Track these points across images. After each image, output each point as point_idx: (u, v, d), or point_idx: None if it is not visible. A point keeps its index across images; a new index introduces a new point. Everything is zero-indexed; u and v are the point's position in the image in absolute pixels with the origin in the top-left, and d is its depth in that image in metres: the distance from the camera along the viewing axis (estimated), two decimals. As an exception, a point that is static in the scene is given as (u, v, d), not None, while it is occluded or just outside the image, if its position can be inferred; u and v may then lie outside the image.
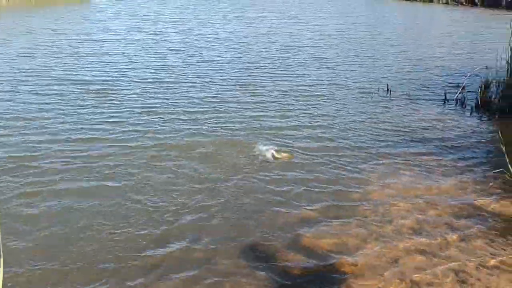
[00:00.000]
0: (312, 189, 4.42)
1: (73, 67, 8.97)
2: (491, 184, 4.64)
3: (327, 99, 7.38)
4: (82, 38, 12.33)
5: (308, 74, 8.95)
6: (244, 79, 8.48)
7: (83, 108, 6.51)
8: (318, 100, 7.26)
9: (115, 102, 6.83)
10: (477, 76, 7.89)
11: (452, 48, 12.61)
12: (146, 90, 7.56)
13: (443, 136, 5.98)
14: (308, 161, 5.03)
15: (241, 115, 6.42)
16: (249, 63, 9.86)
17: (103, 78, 8.26)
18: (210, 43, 12.31)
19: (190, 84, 8.00)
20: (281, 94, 7.51)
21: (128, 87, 7.66)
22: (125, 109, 6.51)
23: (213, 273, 3.19)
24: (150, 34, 13.42)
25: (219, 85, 8.01)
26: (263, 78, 8.58)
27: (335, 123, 6.23)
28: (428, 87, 8.36)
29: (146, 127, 5.84)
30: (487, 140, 5.95)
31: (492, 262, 3.42)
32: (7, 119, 5.96)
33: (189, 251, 3.42)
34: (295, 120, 6.30)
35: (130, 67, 9.18)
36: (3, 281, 1.57)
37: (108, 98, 7.02)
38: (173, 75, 8.66)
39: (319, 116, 6.51)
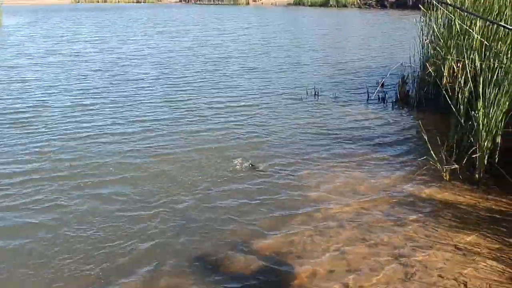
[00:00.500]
0: (251, 201, 4.44)
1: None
2: (418, 171, 4.98)
3: (258, 108, 7.45)
4: None
5: (237, 85, 9.04)
6: (173, 95, 8.33)
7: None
8: (249, 111, 7.32)
9: (34, 132, 6.26)
10: (395, 73, 8.41)
11: (370, 49, 13.35)
12: (68, 115, 7.07)
13: (370, 132, 6.31)
14: (245, 170, 5.10)
15: (172, 132, 6.27)
16: (176, 78, 9.77)
17: (20, 107, 7.56)
18: (133, 60, 12.06)
19: (116, 105, 7.63)
20: (211, 108, 7.46)
21: (48, 115, 7.10)
22: (45, 138, 6.01)
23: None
24: (68, 56, 12.89)
25: (147, 103, 7.76)
26: (192, 92, 8.50)
27: (268, 132, 6.31)
28: (352, 88, 8.79)
29: (72, 155, 5.44)
30: (409, 132, 6.37)
31: (427, 243, 3.67)
32: None
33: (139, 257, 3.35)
34: (228, 133, 6.26)
35: (49, 92, 8.61)
36: None
37: (26, 128, 6.43)
38: (96, 97, 8.23)
39: (250, 126, 6.57)
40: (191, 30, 19.63)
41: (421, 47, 7.41)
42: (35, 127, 6.54)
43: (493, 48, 5.09)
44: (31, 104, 7.76)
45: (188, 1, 47.90)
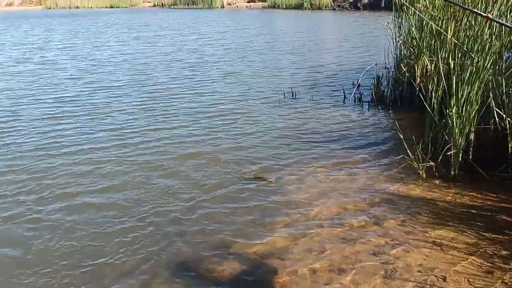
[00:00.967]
0: (233, 207, 4.44)
1: None
2: (395, 170, 5.06)
3: (235, 114, 7.39)
4: None
5: (214, 91, 8.94)
6: (149, 103, 8.09)
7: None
8: (226, 116, 7.25)
9: (3, 145, 6.02)
10: (371, 73, 8.54)
11: (345, 51, 13.52)
12: (39, 127, 6.76)
13: (347, 133, 6.38)
14: (226, 176, 5.10)
15: (149, 141, 6.10)
16: (153, 85, 9.58)
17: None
18: (107, 67, 11.84)
19: (89, 115, 7.36)
20: (189, 115, 7.33)
21: (18, 127, 6.80)
22: (16, 152, 5.78)
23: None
24: (39, 64, 12.55)
25: (121, 112, 7.51)
26: (170, 100, 8.32)
27: (245, 137, 6.27)
28: (329, 89, 8.89)
29: (39, 168, 5.25)
30: (385, 131, 6.47)
31: (406, 240, 3.73)
32: None
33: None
34: (206, 139, 6.19)
35: (19, 102, 8.27)
36: None
37: None
38: (68, 107, 7.93)
39: (228, 131, 6.53)
40: (166, 35, 19.53)
41: (394, 48, 7.54)
42: (4, 140, 6.26)
43: (464, 48, 5.21)
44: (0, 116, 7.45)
45: (163, 6, 47.63)
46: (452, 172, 4.77)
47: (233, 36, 18.33)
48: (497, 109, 4.67)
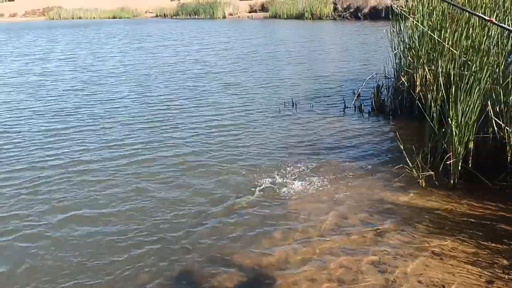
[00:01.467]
0: (233, 216, 4.48)
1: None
2: (394, 179, 5.06)
3: (236, 124, 7.38)
4: None
5: (216, 102, 8.89)
6: (151, 116, 7.99)
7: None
8: (227, 127, 7.25)
9: (3, 160, 5.99)
10: (371, 83, 8.56)
11: (346, 60, 13.56)
12: (39, 141, 6.71)
13: (347, 142, 6.40)
14: (229, 181, 5.12)
15: (151, 154, 6.05)
16: (155, 97, 9.53)
17: None
18: (109, 79, 11.81)
19: (90, 129, 7.23)
20: (191, 127, 7.28)
21: (18, 140, 6.76)
22: (15, 167, 5.74)
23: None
24: (40, 75, 12.52)
25: (123, 125, 7.42)
26: (171, 112, 8.24)
27: (246, 148, 6.30)
28: (329, 98, 8.91)
29: (38, 182, 5.23)
30: (385, 140, 6.48)
31: (406, 249, 3.73)
32: None
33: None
34: (207, 151, 6.19)
35: (19, 116, 8.22)
36: None
37: None
38: (70, 120, 7.83)
39: (228, 141, 6.56)
40: (169, 45, 19.62)
41: (394, 57, 7.58)
42: (3, 153, 6.23)
43: (463, 57, 5.24)
44: None
45: (165, 16, 47.92)
46: (452, 181, 4.77)
47: (235, 46, 18.42)
48: (495, 118, 4.69)
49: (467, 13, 5.43)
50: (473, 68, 4.75)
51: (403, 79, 7.02)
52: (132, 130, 7.17)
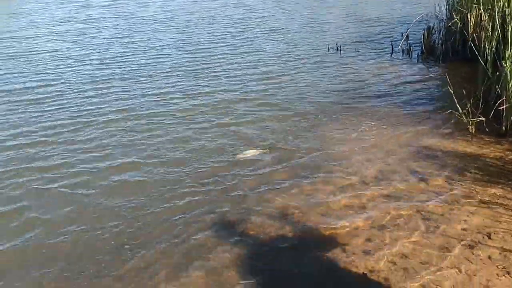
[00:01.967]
0: (274, 147, 4.57)
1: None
2: (444, 125, 4.90)
3: (280, 70, 7.26)
4: (6, 36, 10.92)
5: (262, 48, 8.61)
6: (195, 63, 7.78)
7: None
8: (273, 73, 7.14)
9: (47, 110, 6.02)
10: (421, 24, 8.13)
11: (395, 1, 12.85)
12: (80, 91, 6.73)
13: (393, 86, 6.20)
14: (273, 127, 5.13)
15: (197, 103, 5.99)
16: (198, 43, 9.25)
17: (32, 81, 7.25)
18: (152, 25, 11.53)
19: (130, 79, 7.15)
20: (233, 75, 7.11)
21: (61, 90, 6.79)
22: (59, 116, 5.80)
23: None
24: (84, 23, 12.32)
25: (165, 74, 7.27)
26: (216, 60, 7.97)
27: (289, 93, 6.23)
28: (376, 41, 8.56)
29: (86, 134, 5.27)
30: (434, 85, 6.23)
31: (451, 197, 3.67)
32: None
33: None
34: (256, 98, 6.14)
35: (62, 64, 8.24)
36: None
37: (38, 104, 6.20)
38: (110, 70, 7.73)
39: (272, 88, 6.45)
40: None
41: (447, -5, 7.11)
42: (47, 103, 6.27)
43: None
44: (44, 78, 7.43)
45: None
46: (504, 127, 4.56)
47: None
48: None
49: None
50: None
51: (455, 19, 6.61)
52: (174, 78, 7.09)
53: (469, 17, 6.30)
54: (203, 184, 4.07)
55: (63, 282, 3.04)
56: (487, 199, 3.60)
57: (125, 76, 7.39)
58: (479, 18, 6.10)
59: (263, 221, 3.52)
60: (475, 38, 5.58)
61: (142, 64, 8.08)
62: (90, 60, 8.50)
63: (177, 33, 10.46)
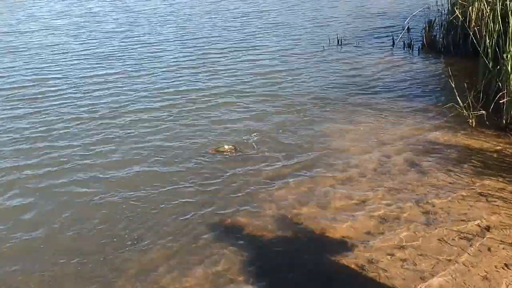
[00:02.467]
0: (273, 141, 4.59)
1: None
2: (444, 118, 4.91)
3: (284, 61, 7.29)
4: (5, 30, 10.77)
5: (264, 41, 8.59)
6: (197, 58, 7.69)
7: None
8: (275, 65, 7.18)
9: (43, 110, 5.84)
10: (422, 17, 8.10)
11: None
12: (78, 86, 6.63)
13: (394, 79, 6.20)
14: (270, 119, 5.14)
15: (194, 104, 5.83)
16: (200, 38, 9.14)
17: (27, 79, 7.10)
18: (153, 19, 11.41)
19: (133, 75, 7.06)
20: (233, 70, 7.02)
21: (57, 86, 6.66)
22: (56, 114, 5.68)
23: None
24: (83, 17, 12.16)
25: (165, 71, 7.17)
26: (217, 55, 7.88)
27: (290, 84, 6.26)
28: (377, 34, 8.54)
29: (75, 131, 5.19)
30: (435, 78, 6.22)
31: (451, 189, 3.68)
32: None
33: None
34: (258, 87, 6.21)
35: (60, 58, 8.12)
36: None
37: (33, 104, 6.04)
38: (108, 65, 7.64)
39: (272, 80, 6.50)
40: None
41: (449, -12, 7.08)
42: (45, 99, 6.19)
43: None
44: (42, 73, 7.35)
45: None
46: (504, 121, 4.56)
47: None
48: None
49: None
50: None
51: (457, 13, 6.58)
52: (174, 73, 6.98)
53: (470, 10, 6.28)
54: (203, 180, 4.05)
55: (67, 279, 3.06)
56: (486, 192, 3.61)
57: (124, 71, 7.27)
58: (480, 12, 6.08)
59: (263, 216, 3.53)
60: (476, 32, 5.57)
61: (141, 58, 7.96)
62: (88, 54, 8.37)
63: (177, 28, 10.35)
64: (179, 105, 5.76)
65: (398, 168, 4.06)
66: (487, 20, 5.13)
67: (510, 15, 4.61)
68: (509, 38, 4.41)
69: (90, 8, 13.77)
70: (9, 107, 5.97)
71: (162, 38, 9.38)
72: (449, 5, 7.13)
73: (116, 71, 7.30)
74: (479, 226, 3.24)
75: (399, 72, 6.47)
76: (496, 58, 4.75)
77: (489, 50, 4.86)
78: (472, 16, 6.25)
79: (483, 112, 4.59)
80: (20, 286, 2.99)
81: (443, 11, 7.37)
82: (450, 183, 3.78)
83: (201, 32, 9.74)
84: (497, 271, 2.83)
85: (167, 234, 3.36)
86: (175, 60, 7.77)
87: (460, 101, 4.71)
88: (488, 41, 4.93)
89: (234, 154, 4.41)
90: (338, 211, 3.52)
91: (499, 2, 5.11)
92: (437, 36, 7.46)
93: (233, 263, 3.04)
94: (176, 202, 3.74)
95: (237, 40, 8.82)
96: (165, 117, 5.45)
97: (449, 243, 3.08)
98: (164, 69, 7.25)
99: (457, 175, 3.88)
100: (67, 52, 8.63)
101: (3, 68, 7.77)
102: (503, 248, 3.00)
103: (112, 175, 4.20)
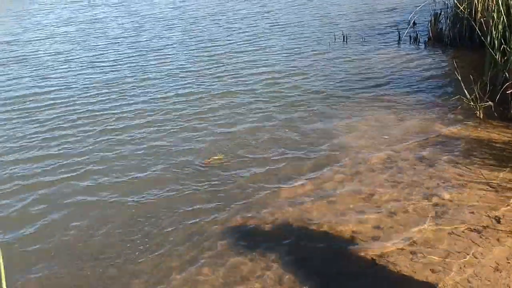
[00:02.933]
0: (279, 138, 4.63)
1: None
2: (451, 111, 4.89)
3: (290, 59, 7.32)
4: (11, 39, 10.74)
5: (269, 42, 8.58)
6: (203, 63, 7.57)
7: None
8: (282, 62, 7.21)
9: (57, 115, 5.91)
10: (427, 10, 8.06)
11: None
12: (86, 96, 6.56)
13: (401, 74, 6.19)
14: (276, 108, 5.17)
15: (206, 107, 5.77)
16: (206, 41, 9.04)
17: (38, 87, 7.11)
18: (158, 24, 11.37)
19: (138, 81, 6.99)
20: (240, 73, 6.94)
21: (69, 97, 6.59)
22: (66, 122, 5.68)
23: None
24: (88, 23, 12.17)
25: (171, 77, 7.03)
26: (223, 59, 7.72)
27: (295, 82, 6.27)
28: (382, 30, 8.53)
29: (87, 143, 5.14)
30: (442, 71, 6.20)
31: (460, 182, 3.67)
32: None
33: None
34: (265, 86, 6.23)
35: (67, 68, 8.09)
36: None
37: (36, 116, 5.97)
38: (115, 73, 7.53)
39: (283, 74, 6.56)
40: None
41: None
42: (53, 108, 6.15)
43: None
44: (48, 83, 7.27)
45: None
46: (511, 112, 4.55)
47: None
48: None
49: None
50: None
51: (463, 5, 6.55)
52: (179, 83, 6.77)
53: (476, 2, 6.25)
54: (215, 181, 4.05)
55: (77, 277, 3.12)
56: (495, 183, 3.60)
57: (131, 78, 7.19)
58: (486, 3, 6.05)
59: (273, 214, 3.55)
60: (483, 23, 5.53)
61: (148, 65, 7.86)
62: (94, 62, 8.33)
63: (183, 31, 10.26)
64: (188, 108, 5.73)
65: (406, 162, 4.06)
66: (493, 12, 5.11)
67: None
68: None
69: (95, 14, 13.81)
70: (16, 116, 5.99)
71: (169, 42, 9.33)
72: (455, -3, 7.10)
73: (122, 78, 7.19)
74: (490, 217, 3.23)
75: (406, 67, 6.45)
76: (503, 50, 4.73)
77: (496, 42, 4.84)
78: (478, 8, 6.22)
79: (491, 103, 4.58)
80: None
81: (448, 3, 7.34)
82: (459, 175, 3.77)
83: (207, 35, 9.71)
84: (508, 262, 2.82)
85: (181, 238, 3.37)
86: (182, 64, 7.69)
87: (467, 93, 4.70)
88: (494, 32, 4.91)
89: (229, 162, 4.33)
90: (347, 206, 3.53)
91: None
92: (443, 29, 7.43)
93: (245, 263, 3.06)
94: (189, 207, 3.72)
95: (243, 42, 8.81)
96: (175, 121, 5.40)
97: (459, 235, 3.08)
98: (171, 74, 7.18)
99: (466, 167, 3.87)
100: (72, 61, 8.60)
101: (10, 78, 7.82)
102: (514, 239, 2.99)
103: (123, 180, 4.23)
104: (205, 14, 12.23)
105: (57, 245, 3.42)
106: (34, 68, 8.26)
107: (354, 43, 7.89)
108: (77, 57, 8.83)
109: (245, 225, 3.45)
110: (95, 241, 3.43)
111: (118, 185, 4.13)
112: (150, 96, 6.34)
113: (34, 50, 9.77)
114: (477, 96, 4.63)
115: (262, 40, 8.76)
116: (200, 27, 10.57)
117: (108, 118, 5.69)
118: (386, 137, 4.53)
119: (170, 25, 11.20)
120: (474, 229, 3.13)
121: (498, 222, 3.18)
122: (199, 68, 7.36)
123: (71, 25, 12.45)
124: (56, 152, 4.87)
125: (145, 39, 9.84)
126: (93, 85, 7.03)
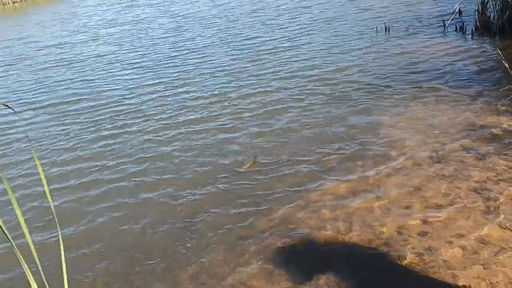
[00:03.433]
0: (324, 134, 4.60)
1: (55, 79, 8.23)
2: (500, 102, 4.71)
3: (332, 53, 7.28)
4: (56, 42, 11.22)
5: (309, 37, 8.55)
6: (245, 63, 7.52)
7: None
8: (324, 56, 7.18)
9: (101, 118, 6.12)
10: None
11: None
12: (127, 97, 6.80)
13: (447, 64, 6.00)
14: (320, 105, 5.14)
15: (249, 105, 5.80)
16: (246, 40, 9.07)
17: (82, 89, 7.45)
18: (197, 24, 11.59)
19: (178, 82, 7.10)
20: (285, 63, 7.12)
21: (113, 97, 6.88)
22: (114, 122, 6.04)
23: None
24: (131, 24, 12.61)
25: (212, 76, 7.14)
26: (260, 57, 7.75)
27: (339, 73, 6.26)
28: (426, 19, 8.29)
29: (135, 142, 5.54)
30: (490, 61, 5.96)
31: (510, 175, 3.54)
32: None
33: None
34: (306, 78, 6.29)
35: (111, 69, 8.40)
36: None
37: (93, 112, 6.35)
38: (156, 73, 7.73)
39: (326, 69, 6.54)
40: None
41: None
42: (97, 110, 6.38)
43: None
44: (87, 88, 7.51)
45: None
46: None
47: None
48: None
49: None
50: None
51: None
52: (222, 79, 6.90)
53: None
54: (252, 186, 4.03)
55: (129, 272, 3.24)
56: (549, 176, 3.45)
57: (172, 78, 7.31)
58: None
59: (316, 211, 3.55)
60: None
61: (188, 64, 7.99)
62: (136, 63, 8.53)
63: (223, 30, 10.33)
64: (232, 111, 5.69)
65: (454, 155, 3.94)
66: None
67: None
68: None
69: (137, 15, 14.13)
70: (62, 120, 6.27)
71: (209, 41, 9.43)
72: (503, -16, 6.80)
73: (163, 80, 7.31)
74: (544, 211, 3.10)
75: (452, 57, 6.26)
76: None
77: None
78: (528, -7, 5.94)
79: (544, 93, 4.37)
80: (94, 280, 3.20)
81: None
82: (509, 167, 3.63)
83: (247, 32, 9.75)
84: None
85: (224, 235, 3.45)
86: (222, 63, 7.76)
87: (517, 83, 4.51)
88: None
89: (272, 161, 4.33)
90: (391, 199, 3.48)
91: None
92: (491, 17, 7.13)
93: (288, 262, 3.08)
94: (228, 208, 3.79)
95: (283, 38, 8.79)
96: (219, 124, 5.40)
97: (511, 230, 2.98)
98: (212, 75, 7.21)
99: (517, 160, 3.73)
100: (115, 62, 8.92)
101: (56, 81, 8.18)
102: None
103: (168, 182, 4.38)
104: (244, 11, 12.27)
105: (109, 243, 3.59)
106: (79, 71, 8.62)
107: (397, 33, 7.72)
108: (120, 59, 9.14)
109: (288, 224, 3.46)
110: (144, 240, 3.56)
111: (166, 186, 4.26)
112: (193, 95, 6.45)
113: (78, 52, 10.16)
114: (529, 85, 4.44)
115: (303, 36, 8.72)
116: (240, 25, 10.61)
117: (154, 116, 5.89)
118: (432, 129, 4.42)
119: (210, 24, 11.32)
120: (528, 223, 3.02)
121: (554, 216, 3.05)
122: (240, 66, 7.41)
123: (114, 26, 12.81)
124: (104, 152, 5.09)
125: (185, 39, 10.01)
126: (135, 86, 7.24)
